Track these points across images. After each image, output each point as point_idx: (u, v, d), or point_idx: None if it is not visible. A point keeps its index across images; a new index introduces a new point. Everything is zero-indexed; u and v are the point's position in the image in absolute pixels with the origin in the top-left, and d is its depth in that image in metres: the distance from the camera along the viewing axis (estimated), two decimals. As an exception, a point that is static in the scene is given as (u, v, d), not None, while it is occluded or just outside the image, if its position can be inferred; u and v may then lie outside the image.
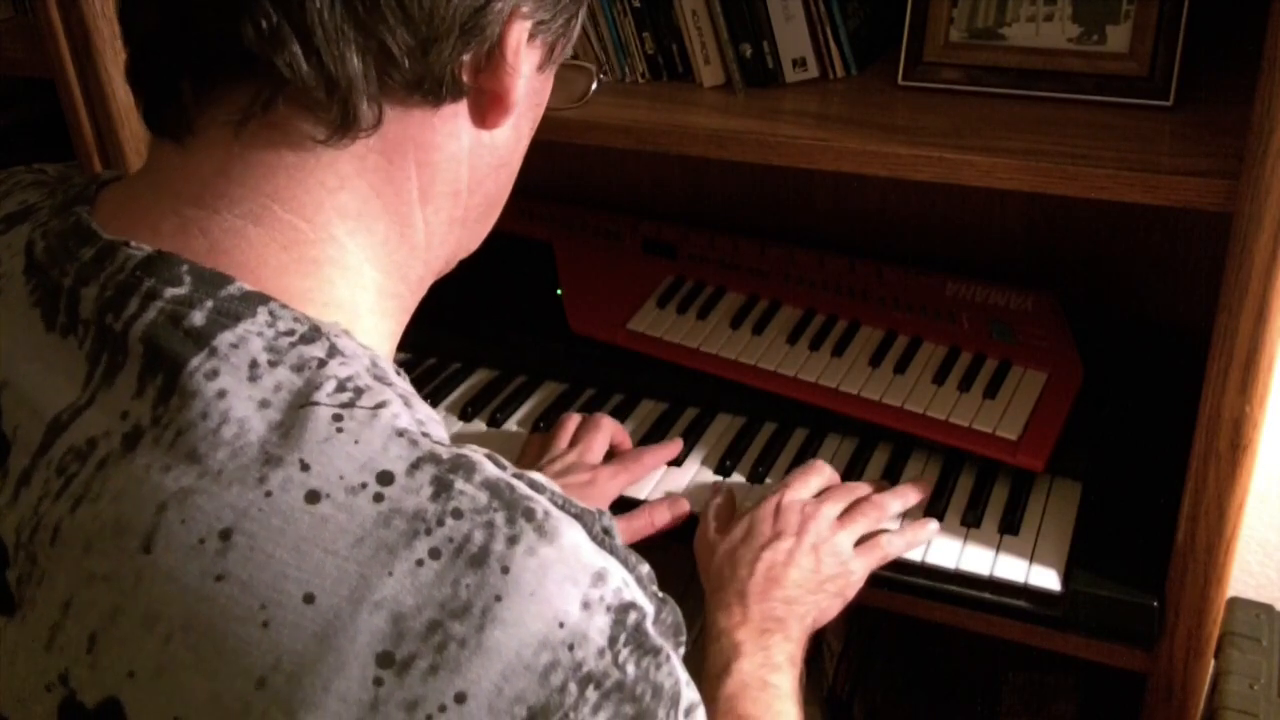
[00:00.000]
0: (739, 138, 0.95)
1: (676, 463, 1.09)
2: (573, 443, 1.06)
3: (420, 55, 0.54)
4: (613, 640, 0.49)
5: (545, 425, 1.15)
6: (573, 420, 1.09)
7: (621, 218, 1.34)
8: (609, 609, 0.50)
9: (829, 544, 0.92)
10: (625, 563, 0.52)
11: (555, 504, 0.51)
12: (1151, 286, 1.19)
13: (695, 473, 1.08)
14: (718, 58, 1.04)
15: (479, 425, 1.18)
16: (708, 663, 0.84)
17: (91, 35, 1.10)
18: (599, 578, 0.50)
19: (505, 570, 0.48)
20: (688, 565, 0.96)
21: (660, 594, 0.54)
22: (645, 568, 0.54)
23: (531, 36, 0.58)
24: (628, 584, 0.51)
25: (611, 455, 1.08)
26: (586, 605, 0.49)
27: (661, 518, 1.01)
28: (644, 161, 1.36)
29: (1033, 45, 0.95)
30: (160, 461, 0.50)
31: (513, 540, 0.48)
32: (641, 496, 1.05)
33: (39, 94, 1.41)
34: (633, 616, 0.50)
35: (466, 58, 0.56)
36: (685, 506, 1.02)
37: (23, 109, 1.49)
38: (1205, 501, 0.86)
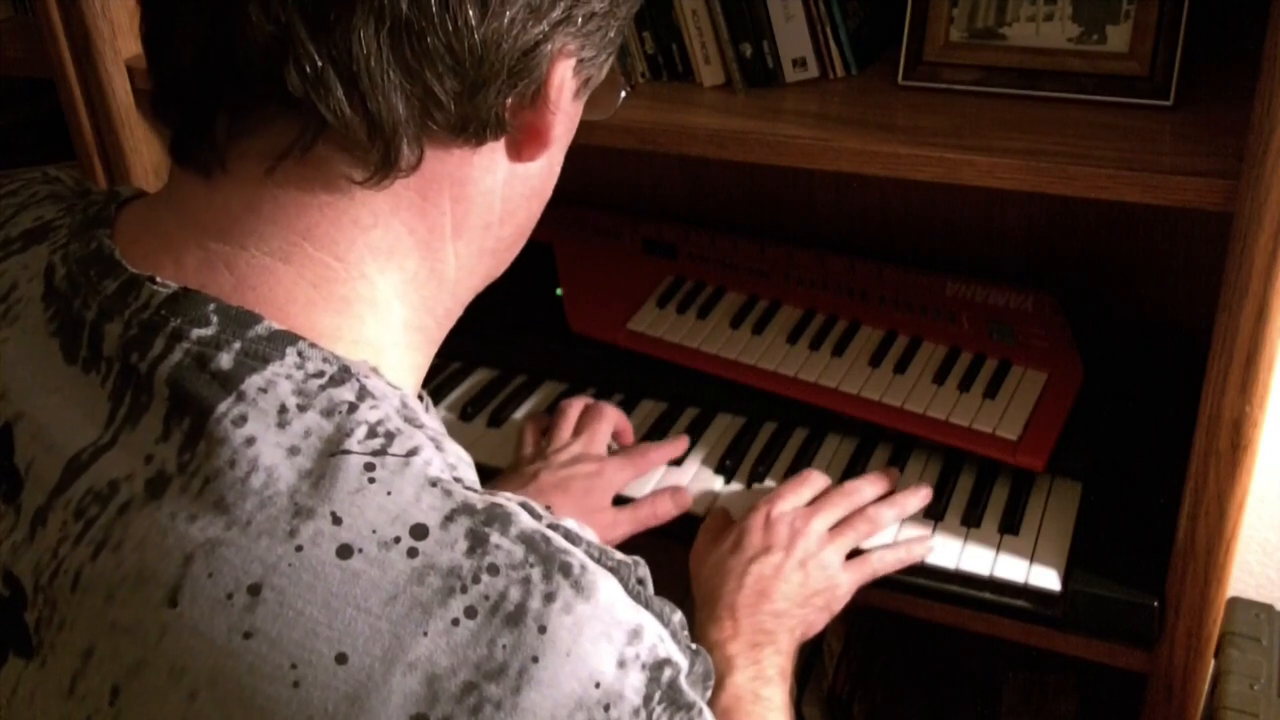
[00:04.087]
0: (739, 138, 0.95)
1: (676, 463, 1.09)
2: (576, 430, 1.06)
3: (467, 99, 0.53)
4: (648, 699, 0.49)
5: (545, 413, 1.15)
6: (575, 407, 1.09)
7: (621, 218, 1.34)
8: (644, 666, 0.49)
9: (817, 559, 0.91)
10: (660, 616, 0.52)
11: (592, 557, 0.50)
12: (1151, 286, 1.19)
13: (695, 473, 1.08)
14: (718, 58, 1.04)
15: (479, 425, 1.18)
16: None
17: (91, 35, 1.09)
18: (634, 634, 0.49)
19: (542, 630, 0.47)
20: (687, 569, 0.96)
21: (693, 645, 0.54)
22: (678, 616, 0.53)
23: (574, 72, 0.58)
24: (663, 639, 0.51)
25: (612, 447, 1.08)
26: (622, 664, 0.48)
27: (665, 507, 1.01)
28: (644, 161, 1.36)
29: (1033, 45, 0.95)
30: (186, 510, 0.49)
31: (549, 597, 0.48)
32: (640, 497, 1.04)
33: (39, 94, 1.42)
34: (667, 674, 0.50)
35: (510, 98, 0.55)
36: (688, 498, 1.02)
37: (23, 109, 1.49)
38: (1205, 501, 0.86)
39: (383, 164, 0.53)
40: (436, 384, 1.23)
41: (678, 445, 1.09)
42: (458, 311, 0.64)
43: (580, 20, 0.55)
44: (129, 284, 0.54)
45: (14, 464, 0.54)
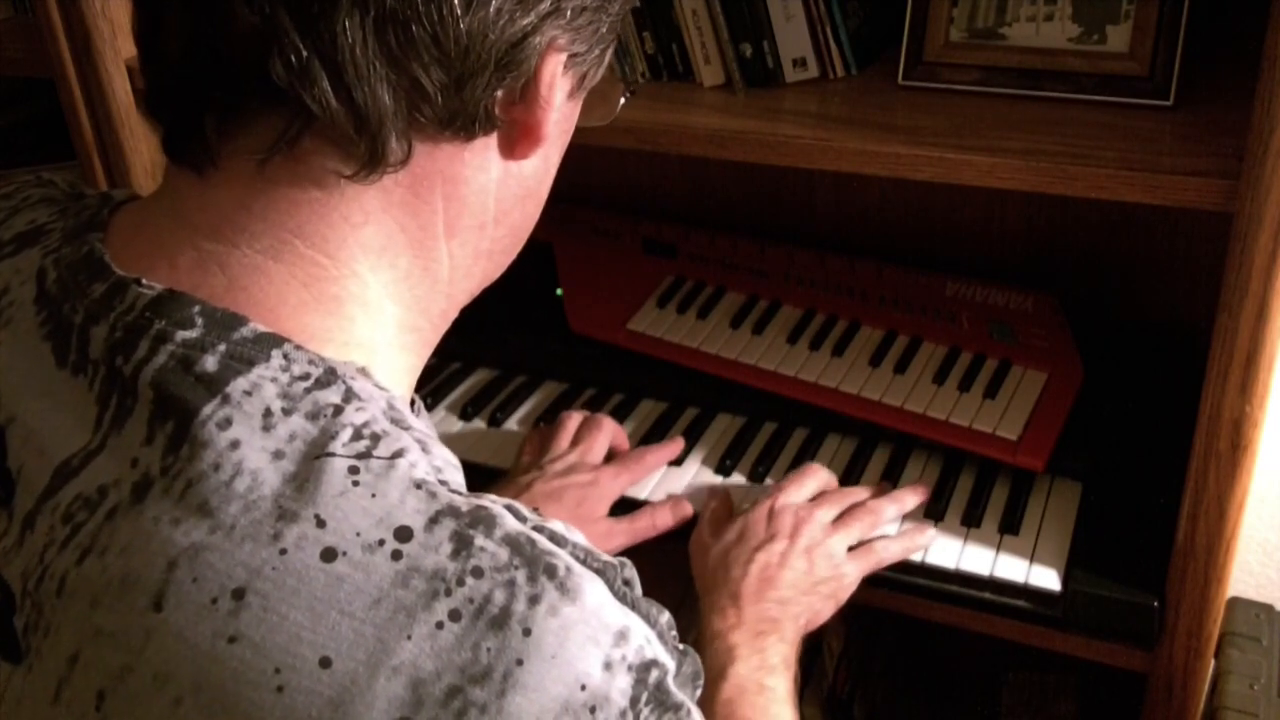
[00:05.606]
0: (739, 138, 0.95)
1: (676, 462, 1.09)
2: (574, 442, 1.06)
3: (454, 92, 0.53)
4: (634, 700, 0.49)
5: (545, 425, 1.15)
6: (573, 419, 1.09)
7: (621, 218, 1.34)
8: (631, 668, 0.49)
9: (822, 547, 0.91)
10: (647, 617, 0.51)
11: (577, 559, 0.50)
12: (1151, 286, 1.19)
13: (695, 473, 1.08)
14: (718, 58, 1.04)
15: (479, 425, 1.18)
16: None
17: (91, 35, 1.09)
18: (621, 637, 0.49)
19: (527, 633, 0.47)
20: (687, 567, 0.96)
21: (680, 646, 0.54)
22: (666, 617, 0.53)
23: (565, 67, 0.57)
24: (649, 641, 0.50)
25: (610, 457, 1.08)
26: (608, 666, 0.48)
27: (664, 519, 1.00)
28: (644, 161, 1.36)
29: (1033, 45, 0.95)
30: (170, 514, 0.49)
31: (534, 600, 0.47)
32: (642, 497, 1.04)
33: (39, 94, 1.41)
34: (654, 675, 0.50)
35: (500, 92, 0.55)
36: (688, 509, 1.01)
37: (23, 109, 1.49)
38: (1205, 501, 0.86)
39: (370, 158, 0.53)
40: (436, 384, 1.23)
41: (674, 447, 1.09)
42: (453, 313, 0.63)
43: (569, 13, 0.55)
44: (115, 287, 0.54)
45: (7, 467, 0.54)
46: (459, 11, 0.51)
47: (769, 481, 1.06)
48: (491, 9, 0.52)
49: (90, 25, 1.09)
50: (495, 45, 0.53)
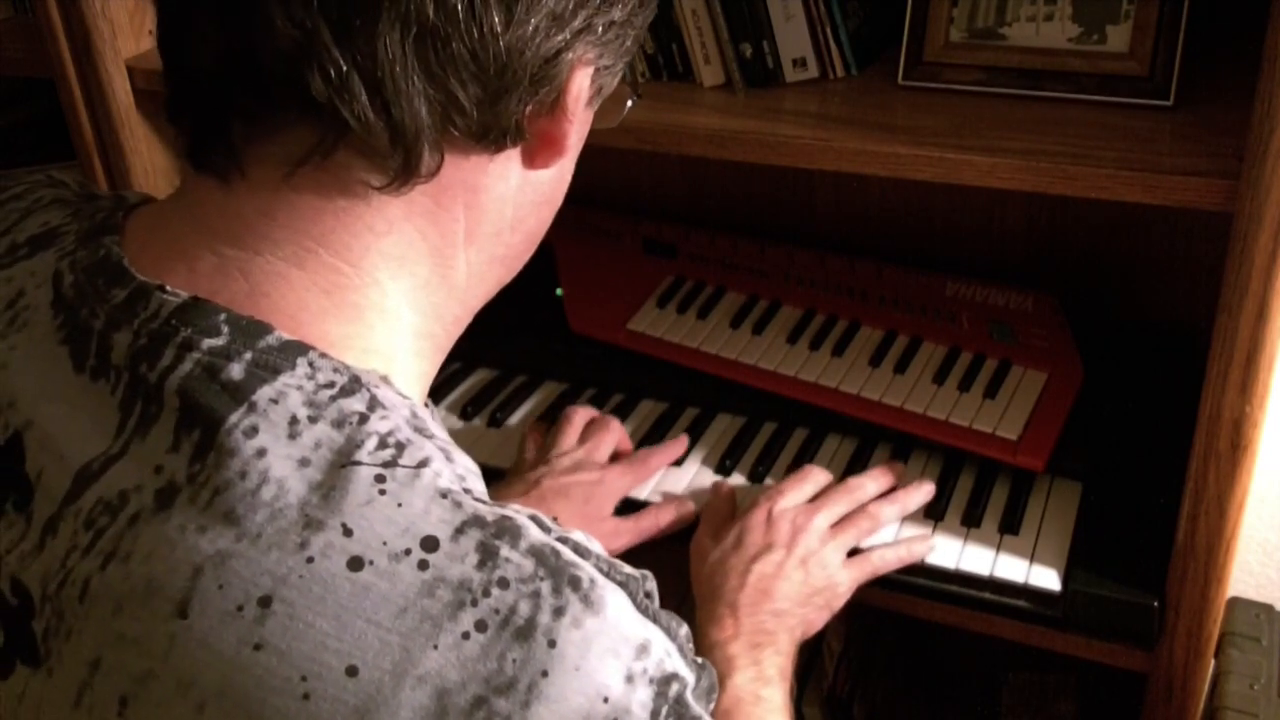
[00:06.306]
0: (739, 138, 0.95)
1: (677, 462, 1.09)
2: (580, 439, 1.06)
3: (488, 106, 0.53)
4: (655, 713, 0.49)
5: (545, 421, 1.15)
6: (579, 415, 1.09)
7: (621, 218, 1.34)
8: (651, 681, 0.49)
9: (818, 557, 0.91)
10: (667, 630, 0.52)
11: (601, 570, 0.50)
12: (1151, 286, 1.19)
13: (696, 473, 1.08)
14: (718, 58, 1.04)
15: (479, 425, 1.18)
16: None
17: (91, 35, 1.09)
18: (642, 649, 0.49)
19: (552, 644, 0.47)
20: (688, 566, 0.96)
21: (699, 659, 0.54)
22: (685, 630, 0.54)
23: (591, 80, 0.58)
24: (670, 654, 0.51)
25: (614, 458, 1.08)
26: (630, 679, 0.48)
27: (667, 519, 1.01)
28: (644, 161, 1.36)
29: (1033, 45, 0.95)
30: (195, 522, 0.49)
31: (559, 612, 0.48)
32: (641, 498, 1.04)
33: (39, 94, 1.41)
34: (674, 688, 0.50)
35: (529, 106, 0.55)
36: (690, 507, 1.01)
37: (23, 109, 1.49)
38: (1205, 501, 0.86)
39: (403, 170, 0.53)
40: (437, 384, 1.22)
41: (677, 446, 1.09)
42: (466, 319, 0.64)
43: (600, 29, 0.56)
44: (138, 293, 0.54)
45: (25, 472, 0.54)
46: (499, 29, 0.51)
47: (769, 482, 1.06)
48: (530, 27, 0.52)
49: (90, 25, 1.09)
50: (531, 61, 0.53)
